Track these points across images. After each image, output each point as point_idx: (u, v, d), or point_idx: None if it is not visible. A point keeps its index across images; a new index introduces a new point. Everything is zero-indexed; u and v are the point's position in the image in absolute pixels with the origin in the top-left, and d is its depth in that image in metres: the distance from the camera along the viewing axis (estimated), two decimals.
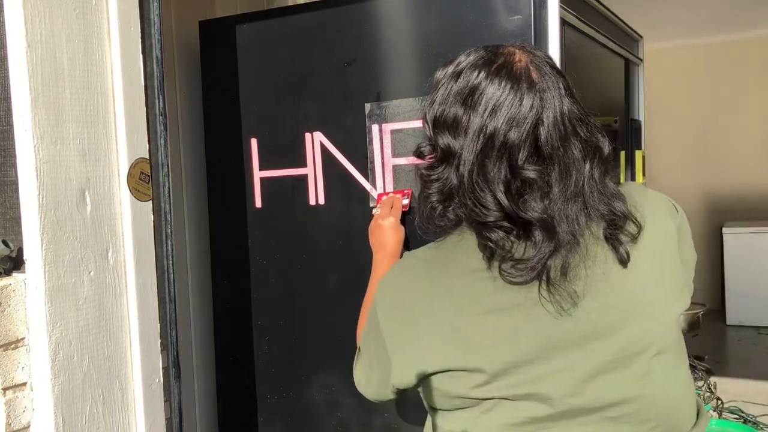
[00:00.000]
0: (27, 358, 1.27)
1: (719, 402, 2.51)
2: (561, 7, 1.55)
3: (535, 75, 0.99)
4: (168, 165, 1.55)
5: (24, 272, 1.27)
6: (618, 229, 0.99)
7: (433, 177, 1.04)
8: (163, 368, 1.51)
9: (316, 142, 1.79)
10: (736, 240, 5.05)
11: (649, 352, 0.98)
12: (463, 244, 1.04)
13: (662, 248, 1.04)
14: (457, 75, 1.03)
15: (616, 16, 2.50)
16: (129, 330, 1.43)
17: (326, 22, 1.76)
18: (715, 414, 2.41)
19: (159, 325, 1.49)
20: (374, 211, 1.60)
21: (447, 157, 1.02)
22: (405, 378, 1.06)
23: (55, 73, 1.28)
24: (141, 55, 1.45)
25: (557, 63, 1.49)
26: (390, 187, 1.70)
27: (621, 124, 2.53)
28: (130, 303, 1.43)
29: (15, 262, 1.29)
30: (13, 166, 1.27)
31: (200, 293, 2.11)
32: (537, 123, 0.97)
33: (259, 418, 1.96)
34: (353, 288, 1.77)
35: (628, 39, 2.75)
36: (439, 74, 1.07)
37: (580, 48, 2.07)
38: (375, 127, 1.70)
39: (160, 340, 1.49)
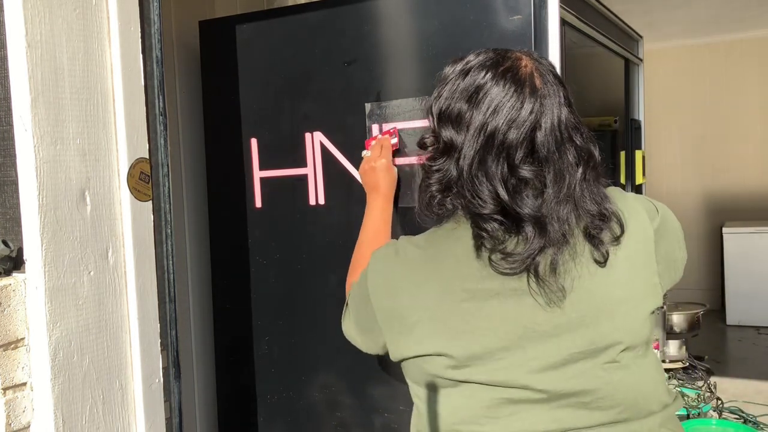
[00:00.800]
0: (27, 358, 1.27)
1: (719, 402, 2.51)
2: (561, 7, 1.55)
3: (538, 81, 1.05)
4: (168, 165, 1.55)
5: (24, 272, 1.27)
6: (601, 230, 1.04)
7: (435, 168, 1.09)
8: (163, 368, 1.51)
9: (316, 142, 1.79)
10: (735, 240, 5.05)
11: (618, 347, 1.04)
12: (455, 233, 1.09)
13: (637, 249, 1.09)
14: (465, 73, 1.07)
15: (616, 16, 2.50)
16: (129, 330, 1.43)
17: (326, 22, 1.76)
18: (715, 414, 2.40)
19: (159, 325, 1.49)
20: (364, 153, 1.63)
21: (449, 149, 1.07)
22: (392, 355, 1.14)
23: (55, 73, 1.28)
24: (141, 55, 1.45)
25: (557, 63, 1.49)
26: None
27: (621, 124, 2.53)
28: (130, 303, 1.43)
29: (15, 262, 1.29)
30: (13, 166, 1.27)
31: (200, 293, 2.11)
32: (535, 126, 1.02)
33: (259, 418, 1.96)
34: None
35: (628, 39, 2.75)
36: (448, 70, 1.11)
37: (580, 48, 2.07)
38: (375, 127, 1.70)
39: (160, 340, 1.49)
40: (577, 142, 1.05)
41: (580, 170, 1.04)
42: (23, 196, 1.26)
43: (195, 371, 2.10)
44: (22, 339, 1.27)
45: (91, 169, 1.35)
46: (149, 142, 1.48)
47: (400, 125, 1.66)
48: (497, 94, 1.03)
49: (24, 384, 1.27)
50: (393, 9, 1.68)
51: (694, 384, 2.71)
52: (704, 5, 4.29)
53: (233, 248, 1.95)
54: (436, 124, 1.10)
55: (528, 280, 1.01)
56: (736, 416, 2.51)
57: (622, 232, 1.06)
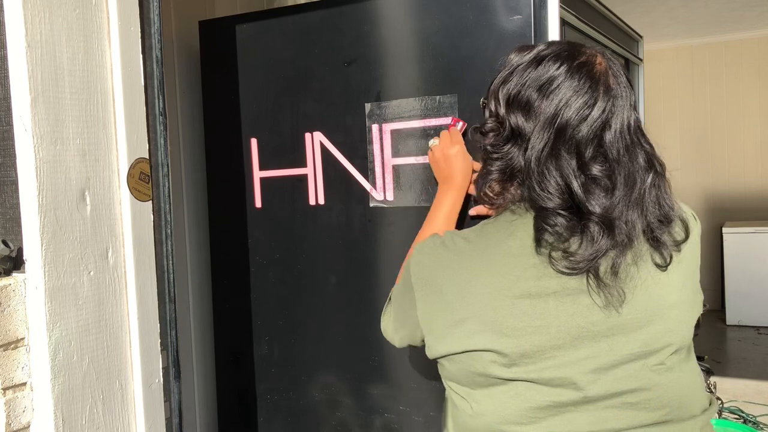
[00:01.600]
0: (27, 358, 1.27)
1: (719, 402, 2.51)
2: (561, 7, 1.55)
3: (612, 81, 1.04)
4: (168, 165, 1.54)
5: (24, 272, 1.27)
6: (666, 234, 1.04)
7: (498, 156, 1.07)
8: (163, 368, 1.51)
9: (316, 142, 1.79)
10: (735, 240, 5.05)
11: (668, 350, 1.03)
12: (510, 228, 1.06)
13: (690, 255, 1.09)
14: (537, 62, 1.06)
15: (616, 16, 2.50)
16: (129, 330, 1.43)
17: (326, 22, 1.76)
18: (714, 414, 2.40)
19: (159, 325, 1.49)
20: (431, 142, 1.55)
21: (515, 136, 1.05)
22: (432, 350, 1.10)
23: (55, 73, 1.28)
24: (141, 55, 1.44)
25: None
26: (390, 187, 1.69)
27: None
28: (130, 303, 1.43)
29: (15, 262, 1.29)
30: (13, 166, 1.27)
31: (200, 293, 2.11)
32: (605, 126, 1.01)
33: (259, 418, 1.96)
34: (353, 288, 1.77)
35: (628, 39, 2.75)
36: (515, 57, 1.10)
37: None
38: (375, 127, 1.70)
39: (160, 340, 1.49)
40: (646, 148, 1.05)
41: (651, 176, 1.03)
42: (23, 196, 1.26)
43: (195, 371, 2.10)
44: (22, 339, 1.27)
45: (91, 169, 1.35)
46: (149, 142, 1.48)
47: (400, 125, 1.66)
48: (571, 87, 1.02)
49: (24, 384, 1.27)
50: (393, 9, 1.68)
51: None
52: (704, 5, 4.29)
53: (233, 248, 1.96)
54: (504, 109, 1.07)
55: (588, 280, 1.00)
56: (736, 416, 2.52)
57: (686, 238, 1.06)
